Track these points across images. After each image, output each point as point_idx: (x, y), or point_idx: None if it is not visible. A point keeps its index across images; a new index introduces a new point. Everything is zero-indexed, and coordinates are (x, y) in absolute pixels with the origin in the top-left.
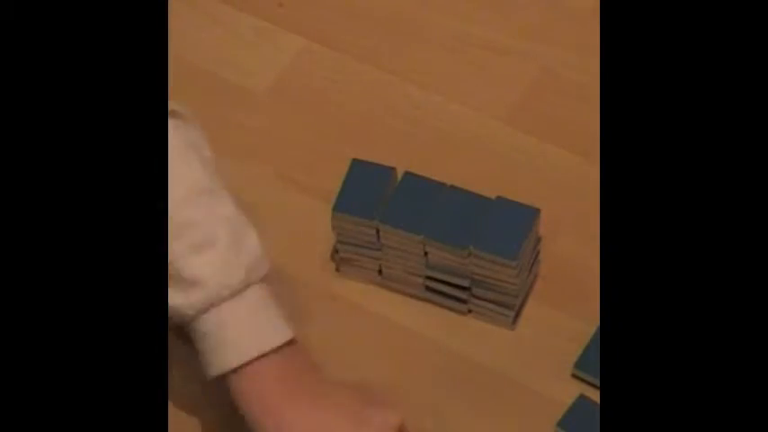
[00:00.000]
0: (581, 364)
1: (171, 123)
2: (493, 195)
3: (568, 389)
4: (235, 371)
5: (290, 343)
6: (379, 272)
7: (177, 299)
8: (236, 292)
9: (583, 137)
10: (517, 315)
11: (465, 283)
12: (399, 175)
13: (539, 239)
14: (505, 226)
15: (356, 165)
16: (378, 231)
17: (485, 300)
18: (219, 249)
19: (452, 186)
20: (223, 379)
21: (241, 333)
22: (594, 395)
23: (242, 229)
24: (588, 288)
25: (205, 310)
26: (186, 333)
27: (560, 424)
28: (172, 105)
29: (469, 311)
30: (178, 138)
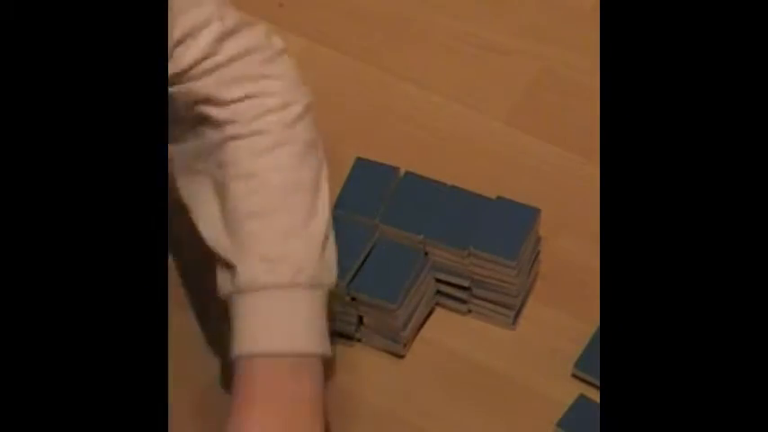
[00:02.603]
0: (581, 364)
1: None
2: (493, 195)
3: (568, 389)
4: (255, 357)
5: (313, 360)
6: None
7: (259, 269)
8: (308, 284)
9: (583, 137)
10: (517, 315)
11: (465, 282)
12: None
13: (539, 239)
14: (505, 226)
15: (360, 163)
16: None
17: (485, 300)
18: (310, 241)
19: (452, 186)
20: (241, 360)
21: (290, 323)
22: (594, 395)
23: (329, 236)
24: (588, 288)
25: (278, 286)
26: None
27: (560, 424)
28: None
29: (469, 311)
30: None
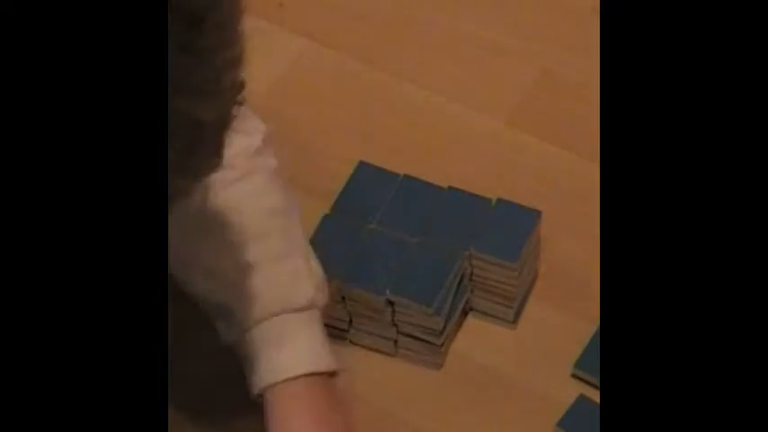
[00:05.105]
0: (581, 364)
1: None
2: (493, 195)
3: (568, 389)
4: (276, 385)
5: (322, 376)
6: None
7: (261, 302)
8: (305, 307)
9: (583, 137)
10: (517, 315)
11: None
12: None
13: (539, 240)
14: (507, 228)
15: (362, 167)
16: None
17: (485, 300)
18: (298, 263)
19: (451, 189)
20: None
21: (300, 347)
22: (594, 395)
23: (310, 252)
24: (588, 288)
25: (274, 314)
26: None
27: (560, 424)
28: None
29: (471, 309)
30: (271, 163)
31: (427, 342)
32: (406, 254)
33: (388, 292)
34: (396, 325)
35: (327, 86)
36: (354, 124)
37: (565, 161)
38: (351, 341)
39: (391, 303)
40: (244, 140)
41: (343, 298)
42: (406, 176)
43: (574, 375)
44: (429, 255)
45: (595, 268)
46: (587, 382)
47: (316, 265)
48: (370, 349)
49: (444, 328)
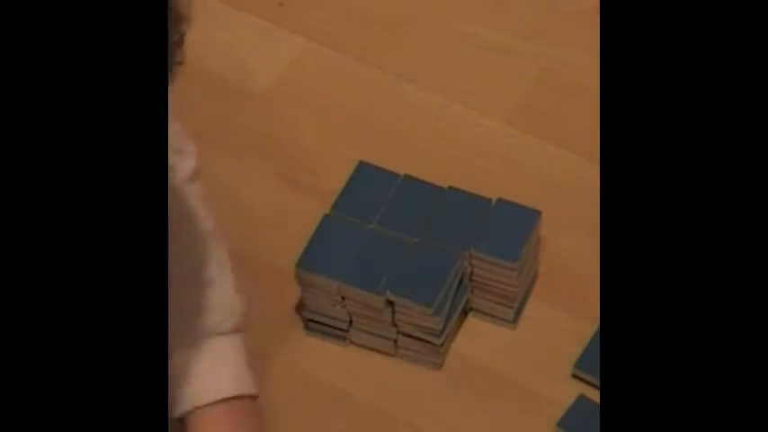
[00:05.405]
0: (581, 364)
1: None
2: (493, 196)
3: (568, 389)
4: (202, 408)
5: (245, 399)
6: None
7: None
8: (233, 330)
9: (583, 137)
10: (517, 315)
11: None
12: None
13: (539, 240)
14: (506, 228)
15: (362, 167)
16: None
17: (485, 300)
18: (227, 287)
19: (451, 188)
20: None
21: (227, 370)
22: (594, 395)
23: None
24: (588, 288)
25: (203, 338)
26: None
27: (560, 424)
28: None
29: (471, 309)
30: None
31: (427, 342)
32: (406, 254)
33: (388, 292)
34: (396, 325)
35: (327, 86)
36: (354, 124)
37: (565, 161)
38: (351, 341)
39: (391, 303)
40: (183, 162)
41: (343, 298)
42: (406, 176)
43: (574, 375)
44: (429, 255)
45: (595, 268)
46: (587, 382)
47: (239, 292)
48: (370, 349)
49: (444, 328)
